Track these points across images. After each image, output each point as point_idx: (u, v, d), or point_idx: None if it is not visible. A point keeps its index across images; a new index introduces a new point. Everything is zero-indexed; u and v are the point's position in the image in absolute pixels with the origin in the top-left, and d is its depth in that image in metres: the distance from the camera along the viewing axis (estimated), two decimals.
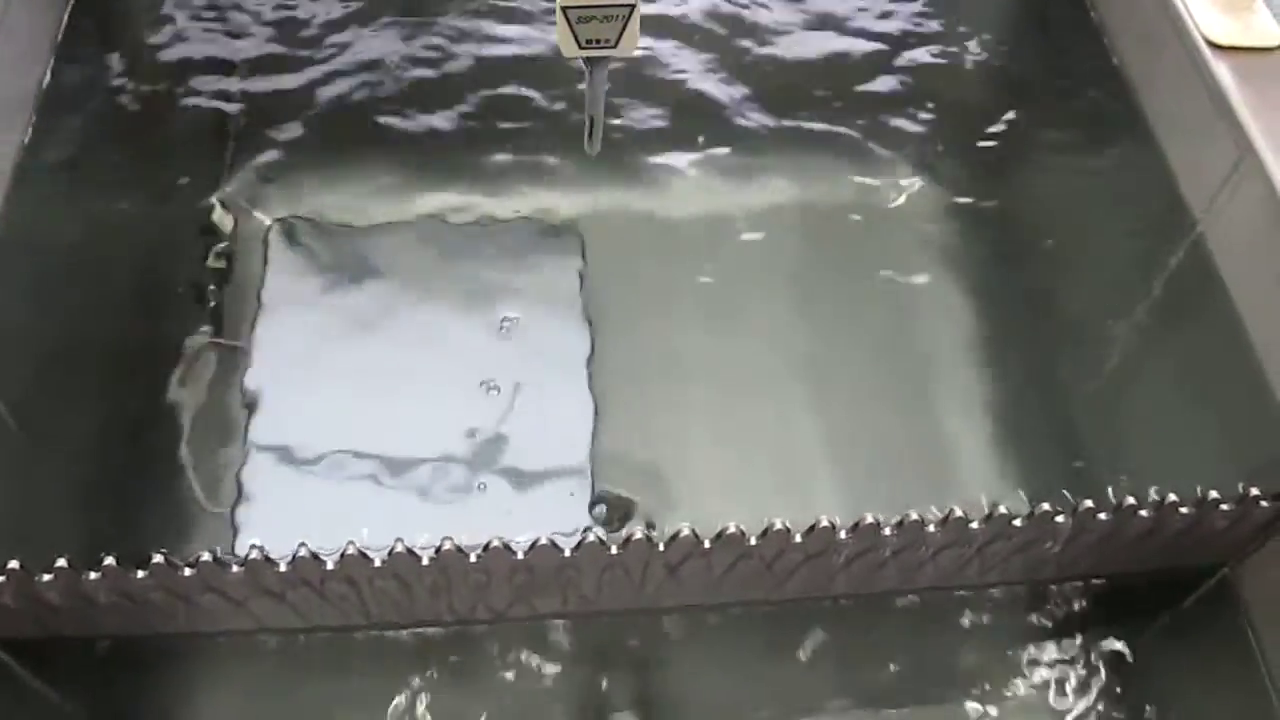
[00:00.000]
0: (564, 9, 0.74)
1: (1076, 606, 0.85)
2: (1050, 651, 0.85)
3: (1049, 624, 0.85)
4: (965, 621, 0.85)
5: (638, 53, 0.76)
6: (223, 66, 1.04)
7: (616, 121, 1.08)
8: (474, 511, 0.95)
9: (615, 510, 0.95)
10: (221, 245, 1.02)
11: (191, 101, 1.03)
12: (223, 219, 1.03)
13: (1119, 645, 0.84)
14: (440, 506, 0.95)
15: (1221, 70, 0.80)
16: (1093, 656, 0.85)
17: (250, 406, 0.96)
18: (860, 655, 0.85)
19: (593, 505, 0.95)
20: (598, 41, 0.76)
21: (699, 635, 0.85)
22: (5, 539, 0.77)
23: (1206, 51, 0.81)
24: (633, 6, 0.74)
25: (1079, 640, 0.85)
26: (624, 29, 0.75)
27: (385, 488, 0.96)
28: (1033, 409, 0.96)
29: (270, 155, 1.06)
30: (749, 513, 0.93)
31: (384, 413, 0.98)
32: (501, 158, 1.09)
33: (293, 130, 1.06)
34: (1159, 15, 0.85)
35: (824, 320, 1.03)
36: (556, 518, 0.95)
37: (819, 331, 1.02)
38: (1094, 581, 0.85)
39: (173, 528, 0.89)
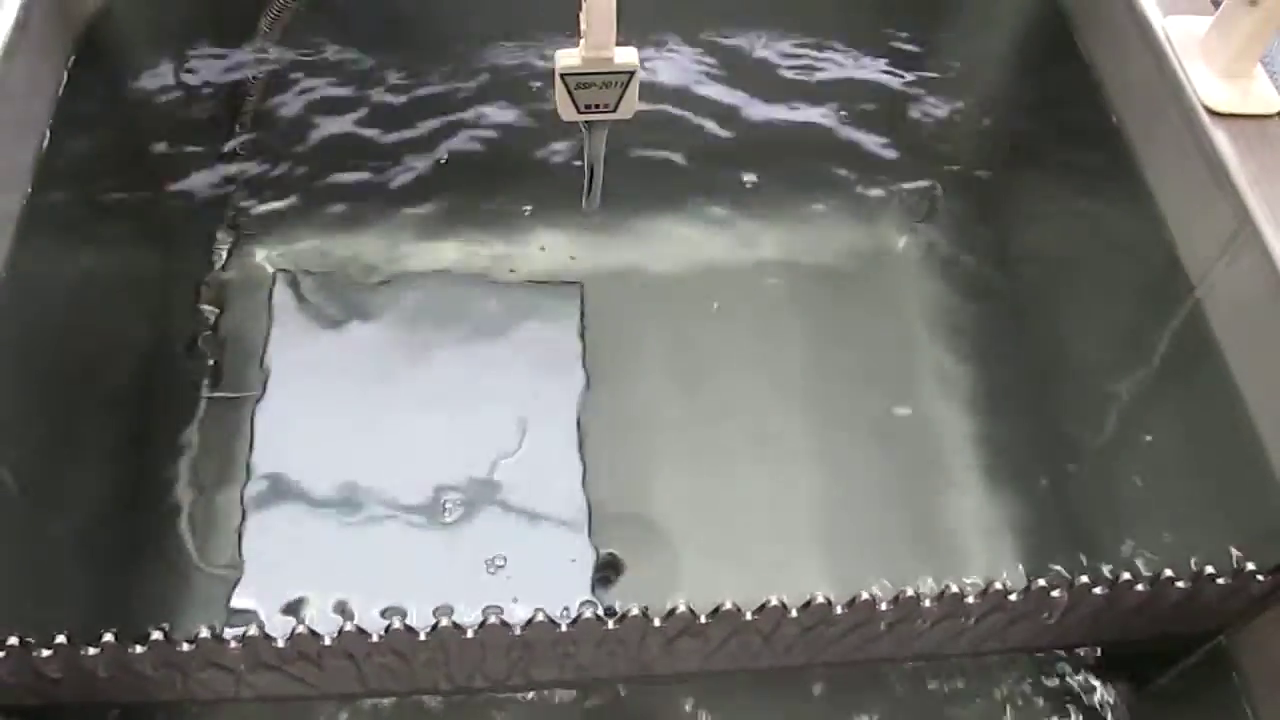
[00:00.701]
0: (562, 76, 0.74)
1: (1071, 668, 0.86)
2: (1045, 713, 0.85)
3: (1044, 685, 0.86)
4: (960, 684, 0.86)
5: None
6: (224, 121, 1.04)
7: (616, 177, 1.09)
8: (470, 563, 0.96)
9: (608, 566, 0.96)
10: (223, 300, 1.03)
11: (193, 157, 1.03)
12: (224, 273, 1.04)
13: (1114, 708, 0.85)
14: (437, 557, 0.96)
15: (1220, 138, 0.80)
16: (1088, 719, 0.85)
17: (250, 460, 0.97)
18: (859, 714, 0.86)
19: (591, 563, 0.96)
20: (597, 106, 0.76)
21: (698, 691, 0.85)
22: (9, 599, 0.78)
23: (1205, 118, 0.81)
24: (632, 73, 0.74)
25: (1074, 702, 0.85)
26: (623, 94, 0.76)
27: (383, 538, 0.97)
28: (1029, 470, 0.96)
29: (272, 209, 1.06)
30: (744, 568, 0.94)
31: (383, 464, 0.99)
32: (502, 212, 1.10)
33: (294, 185, 1.07)
34: (1157, 79, 0.85)
35: (821, 375, 1.03)
36: (551, 571, 0.96)
37: (815, 386, 1.03)
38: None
39: (174, 583, 0.91)
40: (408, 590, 0.94)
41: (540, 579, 0.96)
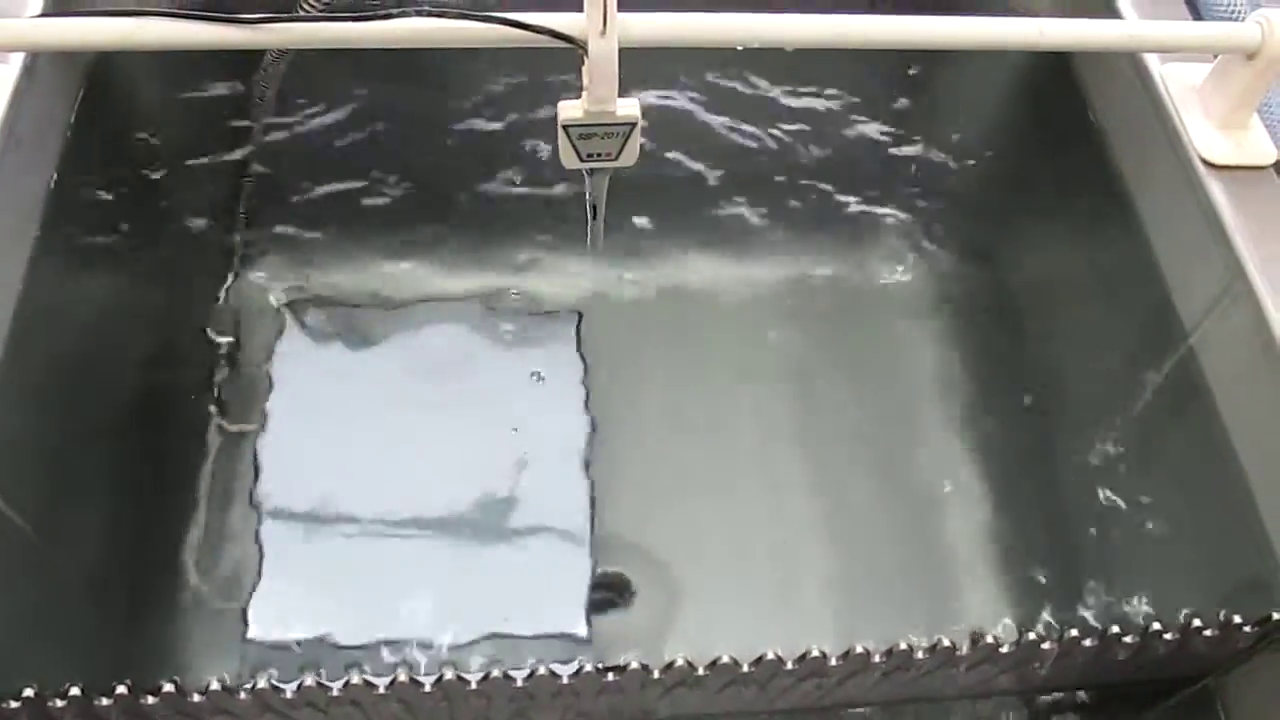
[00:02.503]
0: (565, 127, 0.75)
1: (1060, 705, 0.88)
2: None
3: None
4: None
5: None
6: (230, 153, 1.05)
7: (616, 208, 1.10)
8: (475, 588, 0.98)
9: (611, 589, 0.98)
10: (230, 329, 1.04)
11: (199, 189, 1.04)
12: (231, 303, 1.05)
13: None
14: (443, 582, 0.98)
15: (1215, 189, 0.80)
16: None
17: (258, 488, 0.99)
18: None
19: (592, 587, 0.98)
20: (599, 155, 0.77)
21: None
22: (24, 638, 0.80)
23: (1200, 168, 0.81)
24: (634, 124, 0.75)
25: None
26: (625, 144, 0.77)
27: (391, 564, 0.99)
28: (1024, 507, 0.98)
29: (279, 236, 1.07)
30: (745, 595, 0.96)
31: (389, 491, 1.01)
32: (503, 241, 1.11)
33: (300, 215, 1.08)
34: (1154, 126, 0.85)
35: (818, 403, 1.05)
36: (553, 595, 0.98)
37: (814, 413, 1.04)
38: None
39: (184, 614, 0.93)
40: (417, 617, 0.96)
41: (543, 603, 0.98)
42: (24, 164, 0.84)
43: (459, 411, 1.05)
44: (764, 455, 1.03)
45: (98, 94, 0.92)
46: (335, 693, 0.70)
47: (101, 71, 0.92)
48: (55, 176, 0.87)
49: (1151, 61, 0.86)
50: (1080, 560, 0.94)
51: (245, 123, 1.03)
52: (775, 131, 1.08)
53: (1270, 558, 0.75)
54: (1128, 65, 0.88)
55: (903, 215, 1.13)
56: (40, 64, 0.84)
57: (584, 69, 0.71)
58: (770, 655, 0.71)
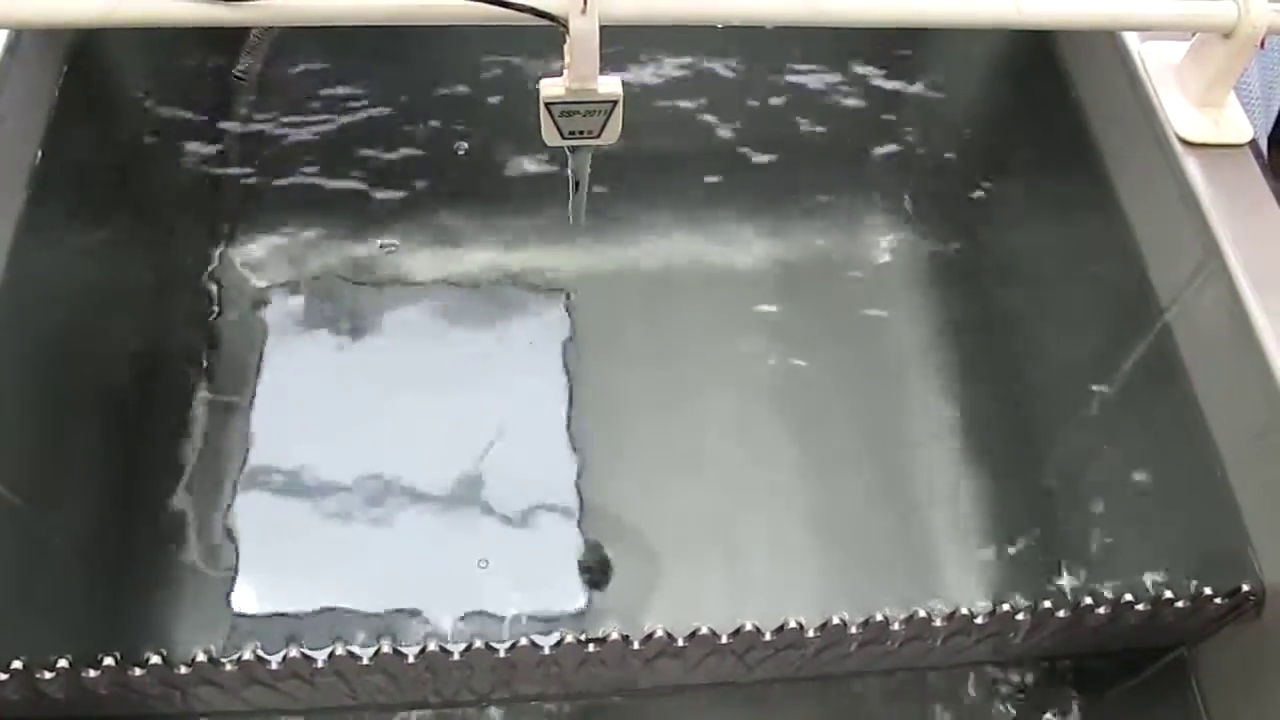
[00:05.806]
0: (547, 105, 0.75)
1: (1034, 677, 0.89)
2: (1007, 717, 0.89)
3: (1006, 693, 0.89)
4: (921, 691, 0.89)
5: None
6: (217, 127, 1.05)
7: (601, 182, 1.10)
8: (462, 562, 0.99)
9: (597, 570, 0.99)
10: (217, 304, 1.05)
11: (186, 163, 1.05)
12: (218, 278, 1.06)
13: (1073, 715, 0.88)
14: (429, 557, 0.99)
15: (1191, 167, 0.81)
16: None
17: (245, 462, 0.99)
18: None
19: (580, 564, 0.99)
20: (581, 133, 0.78)
21: (679, 696, 0.89)
22: (14, 611, 0.81)
23: (1177, 146, 0.82)
24: (616, 102, 0.75)
25: (1035, 709, 0.89)
26: (606, 121, 0.77)
27: (377, 538, 0.99)
28: (1005, 479, 0.99)
29: (267, 212, 1.08)
30: (729, 572, 0.97)
31: (375, 466, 1.02)
32: (490, 218, 1.11)
33: (287, 190, 1.08)
34: (1132, 103, 0.86)
35: (804, 381, 1.05)
36: (540, 571, 0.99)
37: (799, 392, 1.05)
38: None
39: (173, 586, 0.93)
40: (402, 589, 0.97)
41: (530, 579, 0.98)
42: (8, 140, 0.84)
43: (445, 387, 1.05)
44: (746, 431, 1.03)
45: (81, 70, 0.92)
46: (319, 664, 0.71)
47: (85, 47, 0.92)
48: (40, 152, 0.87)
49: (1130, 40, 0.87)
50: (1056, 532, 0.95)
51: (231, 97, 1.03)
52: (757, 109, 1.08)
53: (1241, 530, 0.76)
54: (1107, 43, 0.89)
55: (885, 193, 1.13)
56: (23, 41, 0.84)
57: (565, 47, 0.72)
58: (749, 626, 0.72)
